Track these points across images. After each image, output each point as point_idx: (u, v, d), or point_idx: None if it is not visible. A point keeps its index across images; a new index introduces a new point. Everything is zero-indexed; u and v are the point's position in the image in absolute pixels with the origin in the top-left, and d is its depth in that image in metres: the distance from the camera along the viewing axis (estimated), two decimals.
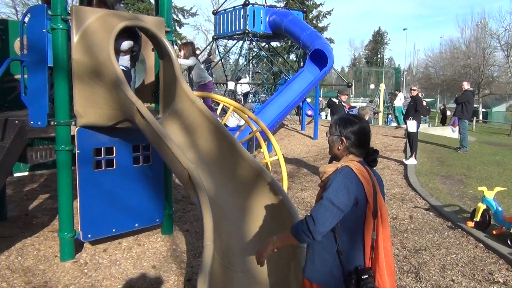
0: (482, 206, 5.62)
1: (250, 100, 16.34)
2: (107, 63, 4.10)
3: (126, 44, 4.72)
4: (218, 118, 5.22)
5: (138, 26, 4.59)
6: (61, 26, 4.26)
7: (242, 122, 9.68)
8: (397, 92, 23.10)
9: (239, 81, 15.04)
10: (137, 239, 5.21)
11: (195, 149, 4.35)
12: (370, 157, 2.36)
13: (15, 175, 4.94)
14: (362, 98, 40.42)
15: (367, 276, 2.18)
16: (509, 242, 5.03)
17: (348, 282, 2.20)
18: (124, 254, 4.80)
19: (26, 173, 5.00)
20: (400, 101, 20.51)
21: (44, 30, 4.31)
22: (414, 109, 10.45)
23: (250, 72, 19.74)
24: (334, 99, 8.86)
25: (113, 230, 4.85)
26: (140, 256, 4.79)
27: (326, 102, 9.56)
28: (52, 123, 4.42)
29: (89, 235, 4.63)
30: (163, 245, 5.09)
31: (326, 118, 21.74)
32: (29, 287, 3.98)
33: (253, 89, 17.67)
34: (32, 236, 5.09)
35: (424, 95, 39.90)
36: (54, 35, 4.29)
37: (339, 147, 2.35)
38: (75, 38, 4.22)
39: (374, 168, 2.41)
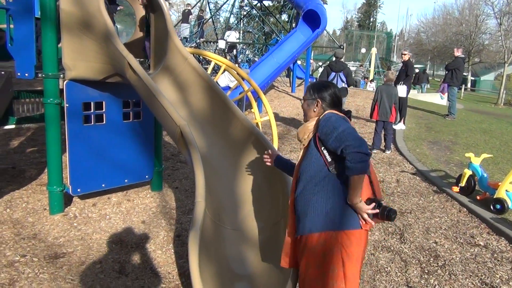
0: (468, 172, 5.73)
1: (240, 60, 16.11)
2: (97, 15, 3.96)
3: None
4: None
5: None
6: None
7: (233, 82, 9.60)
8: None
9: (229, 37, 14.74)
10: (126, 195, 5.22)
11: (187, 106, 4.30)
12: (346, 115, 2.49)
13: (3, 127, 4.84)
14: (352, 62, 40.12)
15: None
16: (492, 207, 5.16)
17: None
18: (113, 209, 4.82)
19: (12, 126, 4.90)
20: None
21: None
22: (405, 74, 10.42)
23: (241, 31, 19.37)
24: (341, 60, 9.08)
25: (103, 185, 4.84)
26: (130, 211, 4.82)
27: (328, 65, 9.55)
28: (40, 75, 4.31)
29: (78, 189, 4.62)
30: (152, 202, 5.12)
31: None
32: (18, 239, 3.99)
33: (243, 48, 17.41)
34: (20, 189, 5.06)
35: (414, 61, 39.81)
36: None
37: (315, 109, 2.50)
38: None
39: None
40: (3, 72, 4.47)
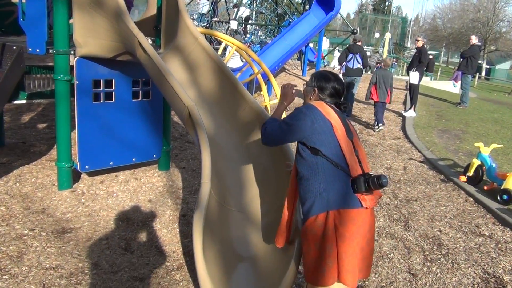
0: (476, 162, 5.68)
1: (251, 42, 15.97)
2: None
3: None
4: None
5: None
6: None
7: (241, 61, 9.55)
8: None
9: (244, 12, 14.68)
10: (134, 173, 5.27)
11: (196, 87, 4.30)
12: (341, 105, 2.62)
13: (14, 102, 4.88)
14: (365, 47, 39.52)
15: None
16: (498, 198, 5.13)
17: (357, 181, 2.34)
18: (120, 187, 4.87)
19: (23, 101, 4.94)
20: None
21: None
22: (418, 60, 10.28)
23: (254, 12, 19.16)
24: (358, 43, 9.97)
25: (111, 163, 4.88)
26: (137, 189, 4.87)
27: (347, 47, 10.24)
28: (51, 51, 4.32)
29: (86, 166, 4.67)
30: (159, 181, 5.16)
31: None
32: (27, 213, 4.06)
33: (255, 29, 17.24)
34: (30, 164, 5.12)
35: (429, 48, 39.19)
36: None
37: (311, 97, 2.63)
38: None
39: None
40: (14, 47, 4.49)
